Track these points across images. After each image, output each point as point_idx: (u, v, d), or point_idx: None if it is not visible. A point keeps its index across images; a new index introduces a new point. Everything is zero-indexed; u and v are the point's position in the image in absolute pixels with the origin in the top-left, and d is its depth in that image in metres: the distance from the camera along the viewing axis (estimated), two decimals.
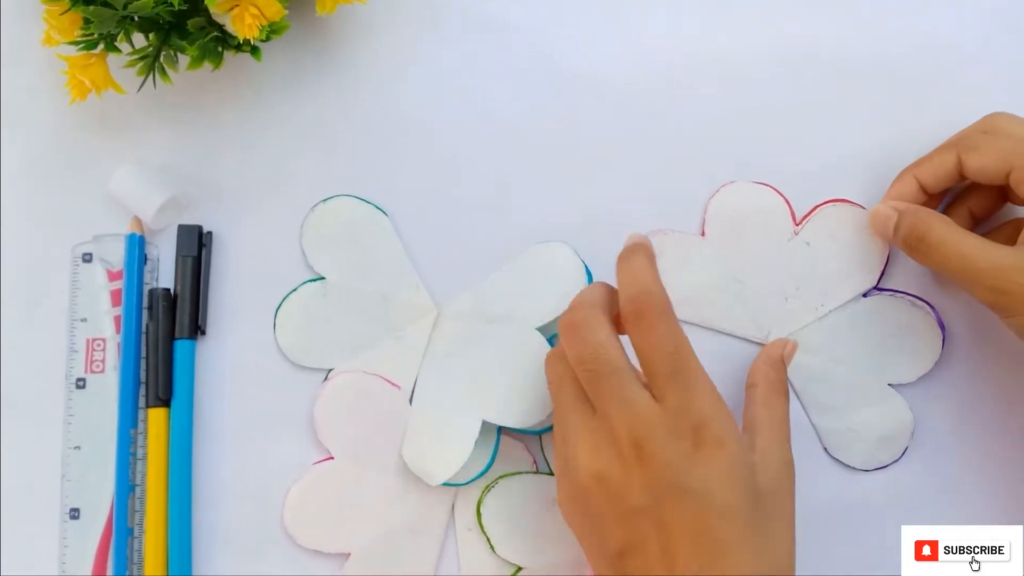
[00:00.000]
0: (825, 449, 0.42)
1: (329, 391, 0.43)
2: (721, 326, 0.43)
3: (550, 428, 0.41)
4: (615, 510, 0.33)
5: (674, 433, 0.33)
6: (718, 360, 0.42)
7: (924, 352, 0.43)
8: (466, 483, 0.41)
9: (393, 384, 0.43)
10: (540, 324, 0.42)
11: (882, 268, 0.43)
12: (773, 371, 0.39)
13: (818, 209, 0.44)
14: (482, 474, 0.41)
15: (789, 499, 0.35)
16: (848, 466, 0.42)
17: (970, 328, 0.43)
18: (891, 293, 0.43)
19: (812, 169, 0.45)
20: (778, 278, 0.43)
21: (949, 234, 0.38)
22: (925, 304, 0.43)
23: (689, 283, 0.43)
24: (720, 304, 0.43)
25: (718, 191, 0.44)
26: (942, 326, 0.43)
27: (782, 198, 0.44)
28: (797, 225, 0.44)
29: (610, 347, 0.35)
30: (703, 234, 0.44)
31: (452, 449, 0.41)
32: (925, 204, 0.42)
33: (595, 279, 0.43)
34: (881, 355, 0.43)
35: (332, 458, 0.43)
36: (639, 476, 0.33)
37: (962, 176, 0.40)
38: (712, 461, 0.33)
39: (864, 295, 0.43)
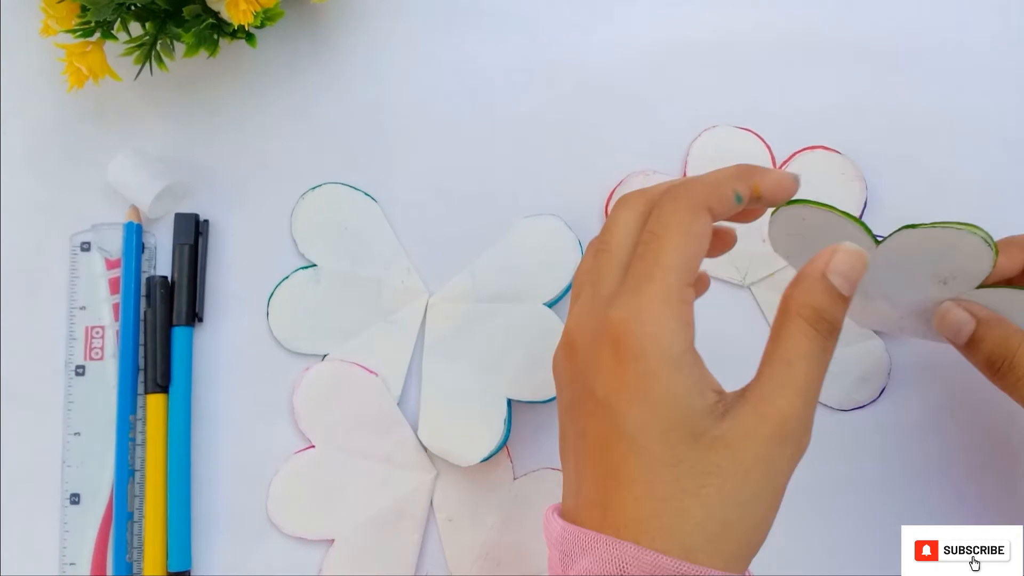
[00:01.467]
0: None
1: (307, 381, 0.43)
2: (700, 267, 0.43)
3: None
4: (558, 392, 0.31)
5: (597, 339, 0.29)
6: (697, 303, 0.40)
7: None
8: (486, 458, 0.41)
9: (370, 372, 0.43)
10: (545, 300, 0.43)
11: (859, 212, 0.43)
12: (795, 288, 0.29)
13: (797, 155, 0.44)
14: (500, 447, 0.42)
15: (751, 475, 0.27)
16: (827, 406, 0.42)
17: None
18: None
19: (793, 115, 0.45)
20: (755, 221, 0.43)
21: None
22: None
23: None
24: None
25: (700, 135, 0.45)
26: None
27: (763, 143, 0.44)
28: None
29: (617, 230, 0.30)
30: (684, 176, 0.44)
31: (479, 429, 0.41)
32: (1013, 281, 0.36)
33: (556, 216, 0.43)
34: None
35: (313, 447, 0.43)
36: (568, 370, 0.30)
37: None
38: (626, 378, 0.28)
39: None
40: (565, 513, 0.30)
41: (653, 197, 0.31)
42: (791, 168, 0.44)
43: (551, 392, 0.38)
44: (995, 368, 0.34)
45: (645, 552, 0.26)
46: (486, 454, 0.41)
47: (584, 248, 0.43)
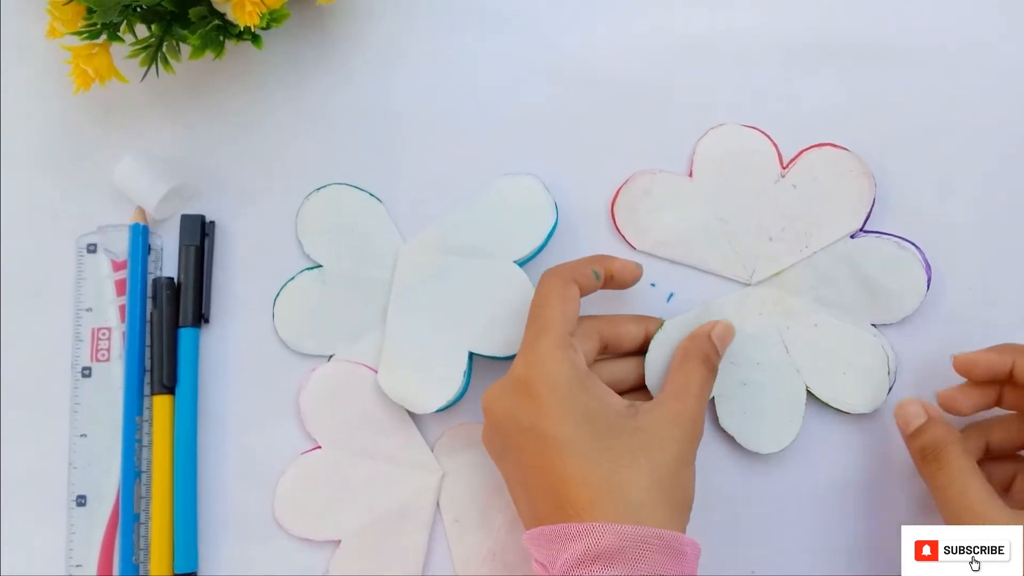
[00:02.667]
0: (809, 391, 0.42)
1: (313, 382, 0.44)
2: (707, 266, 0.44)
3: None
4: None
5: (507, 387, 0.37)
6: (698, 302, 0.43)
7: (910, 292, 0.43)
8: (444, 407, 0.42)
9: (376, 372, 0.43)
10: (517, 258, 0.43)
11: (868, 211, 0.43)
12: (691, 342, 0.41)
13: (804, 153, 0.44)
14: (458, 398, 0.42)
15: (668, 447, 0.36)
16: (837, 409, 0.42)
17: (956, 269, 0.43)
18: (877, 235, 0.43)
19: (799, 114, 0.45)
20: (764, 219, 0.44)
21: (962, 468, 0.37)
22: (911, 245, 0.43)
23: (675, 222, 0.44)
24: (706, 244, 0.44)
25: (707, 133, 0.45)
26: (927, 267, 0.43)
27: (770, 141, 0.44)
28: (784, 168, 0.44)
29: (548, 301, 0.39)
30: (691, 175, 0.44)
31: (439, 378, 0.42)
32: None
33: (562, 215, 0.44)
34: (865, 295, 0.43)
35: (320, 447, 0.43)
36: (493, 427, 0.38)
37: (1012, 379, 0.39)
38: (544, 407, 0.36)
39: (851, 236, 0.43)
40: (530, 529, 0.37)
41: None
42: (799, 166, 0.44)
43: (513, 350, 0.40)
44: (924, 457, 0.38)
45: (598, 526, 0.34)
46: (443, 403, 0.42)
47: (559, 210, 0.44)
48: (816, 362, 0.42)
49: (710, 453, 0.42)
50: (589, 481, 0.35)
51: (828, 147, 0.44)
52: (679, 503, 0.36)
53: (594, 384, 0.38)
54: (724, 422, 0.42)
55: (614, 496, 0.34)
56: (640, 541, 0.33)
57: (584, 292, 0.40)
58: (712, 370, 0.40)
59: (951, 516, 0.37)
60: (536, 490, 0.36)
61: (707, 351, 0.40)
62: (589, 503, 0.34)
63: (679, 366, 0.40)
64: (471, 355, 0.42)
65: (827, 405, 0.42)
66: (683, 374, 0.39)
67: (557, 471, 0.35)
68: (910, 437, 0.39)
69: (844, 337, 0.43)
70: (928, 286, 0.43)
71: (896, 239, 0.43)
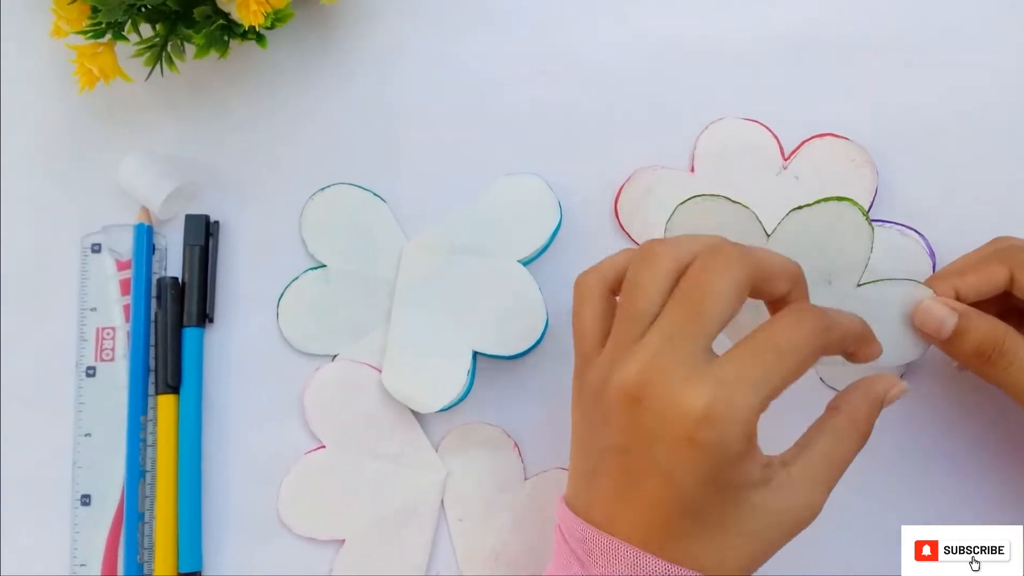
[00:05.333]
0: (821, 380, 0.42)
1: (317, 381, 0.44)
2: None
3: (523, 353, 0.42)
4: (600, 432, 0.32)
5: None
6: None
7: (916, 278, 0.42)
8: (449, 407, 0.42)
9: (380, 372, 0.43)
10: (521, 257, 0.43)
11: (871, 199, 0.43)
12: (865, 408, 0.33)
13: (805, 143, 0.44)
14: (462, 398, 0.42)
15: (774, 531, 0.31)
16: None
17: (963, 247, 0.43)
18: (880, 223, 0.43)
19: (800, 110, 0.45)
20: (767, 211, 0.43)
21: None
22: (914, 232, 0.43)
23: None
24: None
25: (707, 128, 0.45)
26: (932, 253, 0.43)
27: (770, 133, 0.44)
28: (785, 160, 0.44)
29: (650, 286, 0.32)
30: (692, 170, 0.44)
31: (443, 378, 0.42)
32: None
33: (566, 214, 0.44)
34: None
35: (324, 447, 0.43)
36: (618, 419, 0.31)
37: (1007, 294, 0.37)
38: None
39: None
40: (577, 509, 0.33)
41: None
42: (800, 157, 0.44)
43: (517, 348, 0.40)
44: (985, 356, 0.35)
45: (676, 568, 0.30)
46: (447, 403, 0.42)
47: (563, 209, 0.44)
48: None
49: None
50: (685, 538, 0.30)
51: (829, 137, 0.44)
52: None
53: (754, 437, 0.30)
54: None
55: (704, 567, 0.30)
56: None
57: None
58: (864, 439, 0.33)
59: None
60: (630, 487, 0.31)
61: (868, 425, 0.33)
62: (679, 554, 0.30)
63: (836, 435, 0.32)
64: (475, 354, 0.42)
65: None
66: (833, 449, 0.32)
67: (662, 503, 0.30)
68: (950, 343, 0.36)
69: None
70: (934, 272, 0.42)
71: (899, 227, 0.43)
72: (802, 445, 0.32)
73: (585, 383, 0.33)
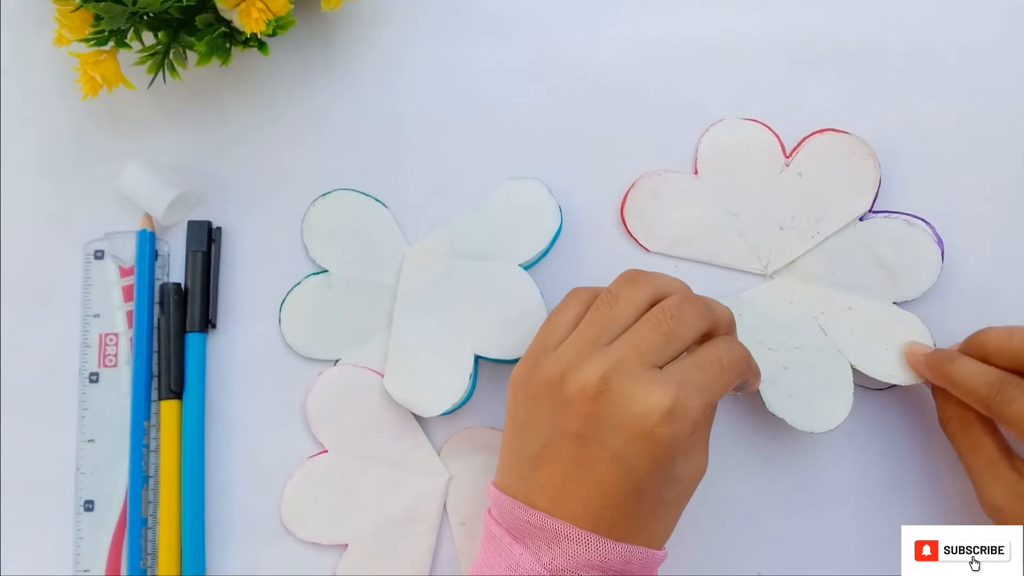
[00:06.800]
0: (854, 368, 0.42)
1: (319, 386, 0.44)
2: (722, 261, 0.44)
3: None
4: (551, 419, 0.35)
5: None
6: (722, 296, 0.42)
7: (925, 267, 0.43)
8: (451, 411, 0.42)
9: (382, 376, 0.44)
10: (522, 261, 0.43)
11: (875, 191, 0.43)
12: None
13: (806, 140, 0.44)
14: (464, 402, 0.43)
15: (685, 495, 0.35)
16: (865, 388, 0.43)
17: (969, 240, 0.44)
18: (886, 215, 0.44)
19: (801, 114, 0.45)
20: (772, 209, 0.44)
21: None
22: (920, 221, 0.43)
23: (685, 220, 0.44)
24: (718, 239, 0.44)
25: (708, 129, 0.45)
26: (939, 241, 0.43)
27: (771, 132, 0.45)
28: (787, 157, 0.44)
29: (629, 301, 0.36)
30: (696, 173, 0.45)
31: (445, 382, 0.42)
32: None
33: (567, 218, 0.44)
34: (882, 275, 0.43)
35: (326, 451, 0.44)
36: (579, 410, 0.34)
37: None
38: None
39: (860, 219, 0.44)
40: (517, 494, 0.35)
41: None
42: (802, 154, 0.44)
43: (519, 352, 0.39)
44: (994, 400, 0.37)
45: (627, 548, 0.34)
46: (449, 407, 0.42)
47: (563, 213, 0.44)
48: (857, 342, 0.42)
49: (712, 454, 0.43)
50: (632, 519, 0.34)
51: (829, 132, 0.44)
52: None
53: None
54: (773, 406, 0.42)
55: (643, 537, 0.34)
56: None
57: None
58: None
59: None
60: (581, 470, 0.34)
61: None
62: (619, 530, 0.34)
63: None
64: (477, 358, 0.43)
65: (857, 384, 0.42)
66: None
67: (613, 487, 0.34)
68: (957, 387, 0.39)
69: (882, 316, 0.43)
70: (942, 258, 0.43)
71: (905, 216, 0.43)
72: None
73: (539, 372, 0.36)
